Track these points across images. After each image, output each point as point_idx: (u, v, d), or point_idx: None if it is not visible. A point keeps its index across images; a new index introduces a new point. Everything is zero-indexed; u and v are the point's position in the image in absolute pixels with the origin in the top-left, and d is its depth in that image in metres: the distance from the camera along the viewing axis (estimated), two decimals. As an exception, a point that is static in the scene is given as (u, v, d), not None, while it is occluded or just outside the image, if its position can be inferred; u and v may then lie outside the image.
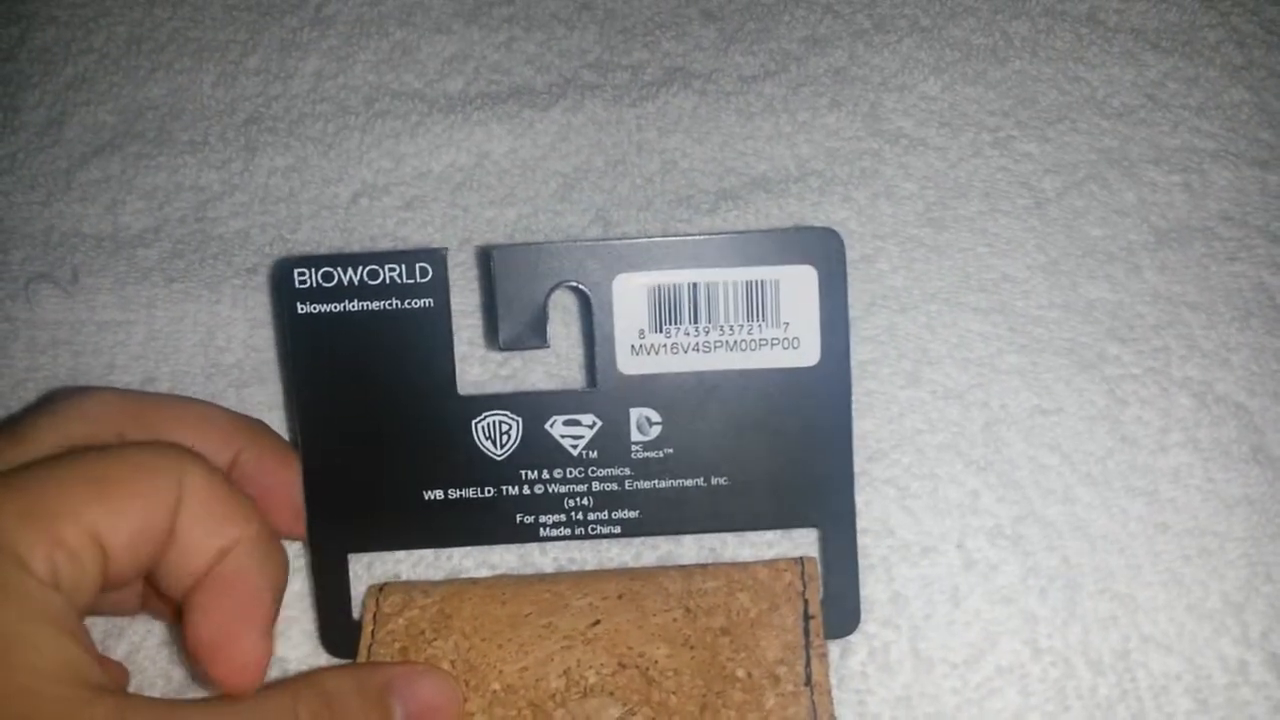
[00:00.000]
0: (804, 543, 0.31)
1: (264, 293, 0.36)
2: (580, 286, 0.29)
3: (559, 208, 0.38)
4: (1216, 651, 0.28)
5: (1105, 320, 0.34)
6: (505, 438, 0.29)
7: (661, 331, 0.29)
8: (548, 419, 0.29)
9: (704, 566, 0.29)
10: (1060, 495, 0.31)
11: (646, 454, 0.29)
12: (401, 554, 0.31)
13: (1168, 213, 0.37)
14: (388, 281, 0.28)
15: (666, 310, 0.29)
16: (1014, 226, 0.37)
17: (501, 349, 0.29)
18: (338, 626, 0.29)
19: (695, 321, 0.29)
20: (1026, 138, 0.39)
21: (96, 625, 0.30)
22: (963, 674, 0.28)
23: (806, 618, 0.28)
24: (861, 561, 0.30)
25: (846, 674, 0.28)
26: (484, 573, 0.31)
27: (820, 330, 0.29)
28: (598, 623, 0.28)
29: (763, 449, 0.29)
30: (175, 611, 0.29)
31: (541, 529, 0.29)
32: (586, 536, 0.29)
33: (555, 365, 0.34)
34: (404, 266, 0.28)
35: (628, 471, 0.29)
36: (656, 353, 0.29)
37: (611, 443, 0.29)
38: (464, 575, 0.31)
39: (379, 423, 0.29)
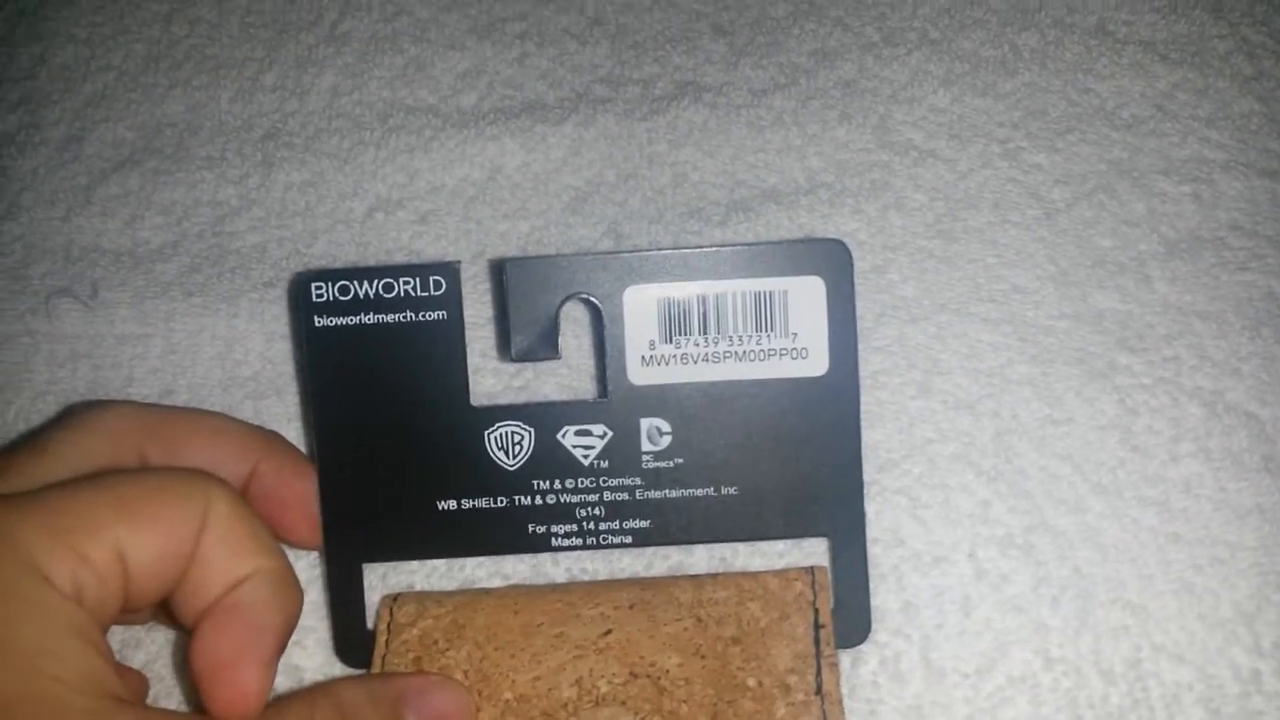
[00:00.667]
0: (815, 552, 0.31)
1: (281, 306, 0.37)
2: (591, 298, 0.29)
3: (571, 221, 0.39)
4: (1229, 661, 0.28)
5: (1116, 330, 0.34)
6: (517, 448, 0.29)
7: (671, 342, 0.29)
8: (559, 429, 0.29)
9: (714, 576, 0.30)
10: (1071, 505, 0.31)
11: (657, 464, 0.29)
12: (415, 564, 0.31)
13: (1178, 223, 0.37)
14: (402, 295, 0.29)
15: (676, 321, 0.29)
16: (1024, 237, 0.37)
17: (514, 360, 0.30)
18: (352, 636, 0.29)
19: (705, 333, 0.29)
20: (1036, 149, 0.39)
21: (114, 635, 0.30)
22: (974, 683, 0.28)
23: (817, 627, 0.28)
24: (872, 571, 0.30)
25: (858, 683, 0.28)
26: (497, 583, 0.31)
27: (829, 340, 0.29)
28: (609, 632, 0.28)
29: (772, 459, 0.29)
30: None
31: (553, 539, 0.30)
32: (598, 546, 0.30)
33: (567, 376, 0.34)
34: (418, 280, 0.29)
35: (638, 481, 0.29)
36: (666, 363, 0.29)
37: (622, 453, 0.29)
38: (477, 585, 0.31)
39: (393, 434, 0.29)
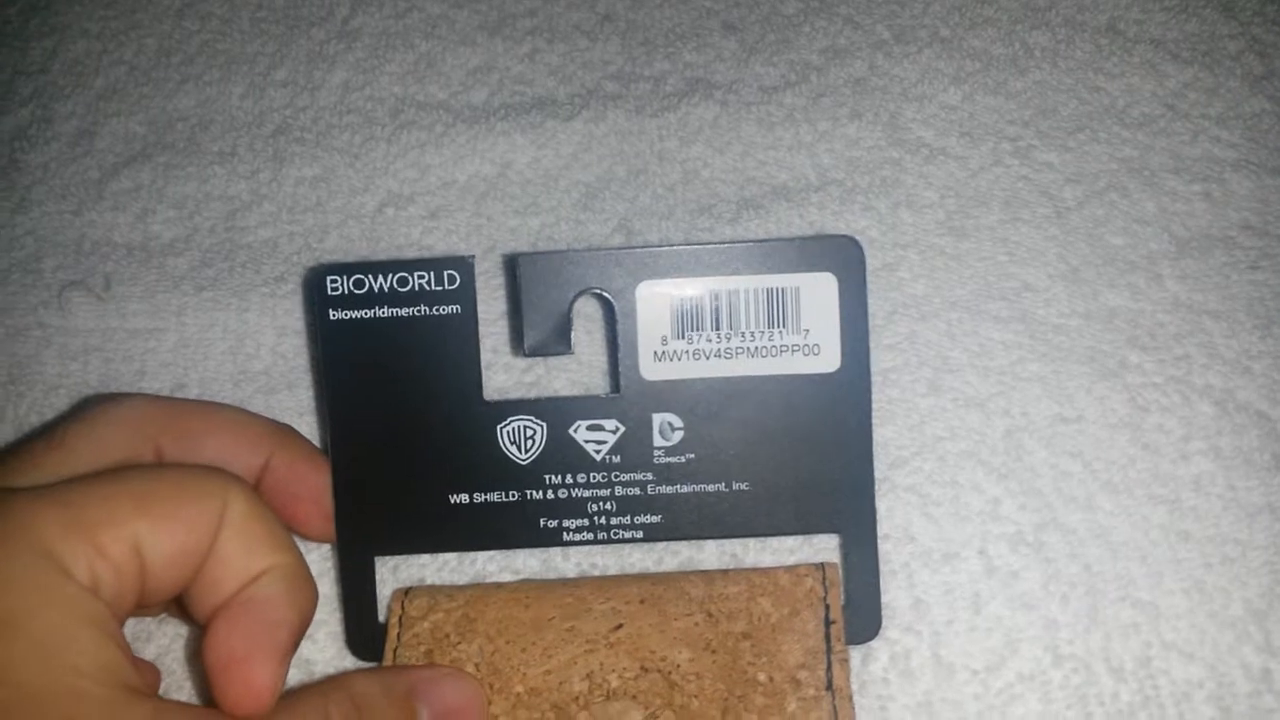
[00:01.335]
0: (825, 548, 0.31)
1: (292, 300, 0.37)
2: (604, 293, 0.29)
3: (581, 217, 0.39)
4: (1239, 659, 0.28)
5: (1126, 328, 0.34)
6: (530, 442, 0.30)
7: (683, 338, 0.29)
8: (571, 424, 0.30)
9: (725, 571, 0.30)
10: (1082, 503, 0.31)
11: (669, 459, 0.29)
12: (427, 558, 0.31)
13: (1188, 222, 0.37)
14: (417, 288, 0.29)
15: (689, 317, 0.29)
16: (1035, 235, 0.37)
17: (526, 355, 0.30)
18: (364, 629, 0.30)
19: (717, 328, 0.29)
20: (1047, 147, 0.39)
21: (125, 627, 0.30)
22: (984, 680, 0.28)
23: (828, 623, 0.28)
24: (883, 568, 0.30)
25: (868, 679, 0.28)
26: (507, 577, 0.31)
27: (840, 337, 0.29)
28: (620, 627, 0.28)
29: (784, 455, 0.29)
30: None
31: (565, 533, 0.30)
32: (609, 541, 0.30)
33: (578, 372, 0.34)
34: (432, 274, 0.29)
35: (650, 476, 0.29)
36: (679, 359, 0.29)
37: (634, 448, 0.29)
38: (488, 580, 0.31)
39: (407, 427, 0.29)
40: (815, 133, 0.41)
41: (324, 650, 0.30)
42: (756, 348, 0.29)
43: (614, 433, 0.30)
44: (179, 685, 0.30)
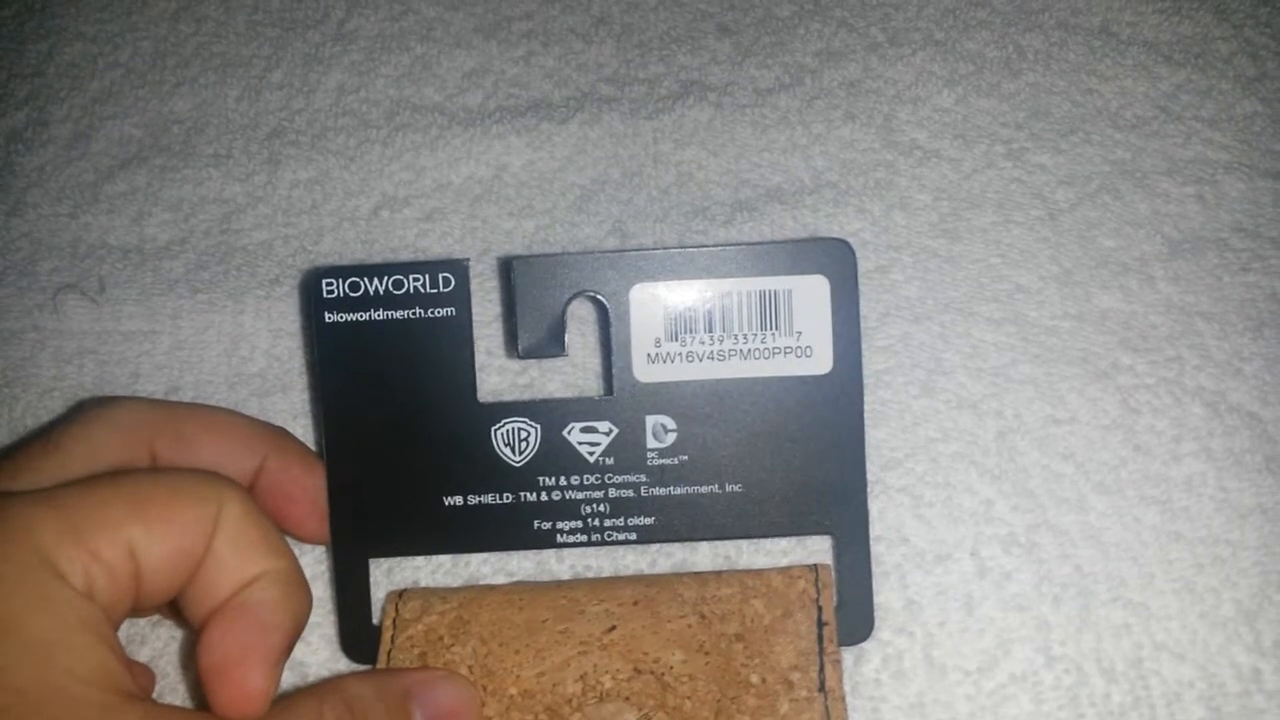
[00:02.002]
0: (818, 550, 0.31)
1: (287, 303, 0.37)
2: (598, 296, 0.29)
3: (576, 219, 0.39)
4: (1229, 659, 0.28)
5: (1118, 330, 0.35)
6: (524, 444, 0.30)
7: (677, 340, 0.29)
8: (565, 426, 0.30)
9: (718, 573, 0.30)
10: (1074, 504, 0.31)
11: (662, 461, 0.30)
12: (420, 561, 0.31)
13: (1181, 224, 0.37)
14: (412, 291, 0.29)
15: (682, 320, 0.29)
16: (1027, 237, 0.37)
17: (521, 357, 0.30)
18: (358, 632, 0.30)
19: (710, 331, 0.29)
20: (1040, 149, 0.39)
21: (120, 631, 0.30)
22: (976, 681, 0.28)
23: (820, 624, 0.28)
24: (876, 569, 0.30)
25: (860, 681, 0.29)
26: (501, 579, 0.31)
27: (833, 339, 0.29)
28: (613, 628, 0.28)
29: (777, 456, 0.29)
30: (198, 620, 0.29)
31: (558, 535, 0.30)
32: (603, 543, 0.30)
33: (572, 374, 0.35)
34: (427, 277, 0.29)
35: (644, 478, 0.30)
36: (672, 361, 0.29)
37: (628, 450, 0.30)
38: (482, 582, 0.31)
39: (401, 429, 0.29)
40: (809, 135, 0.41)
41: (318, 653, 0.30)
42: (749, 350, 0.29)
43: (607, 435, 0.30)
44: (173, 688, 0.30)
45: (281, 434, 0.30)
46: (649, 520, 0.30)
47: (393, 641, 0.29)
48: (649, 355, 0.29)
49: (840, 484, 0.29)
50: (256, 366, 0.36)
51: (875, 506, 0.31)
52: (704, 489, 0.30)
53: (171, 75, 0.44)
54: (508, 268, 0.30)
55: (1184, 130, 0.40)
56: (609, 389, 0.30)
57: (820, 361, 0.29)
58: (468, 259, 0.29)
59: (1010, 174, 0.39)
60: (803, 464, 0.29)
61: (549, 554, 0.31)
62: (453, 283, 0.29)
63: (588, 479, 0.30)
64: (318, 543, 0.31)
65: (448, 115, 0.42)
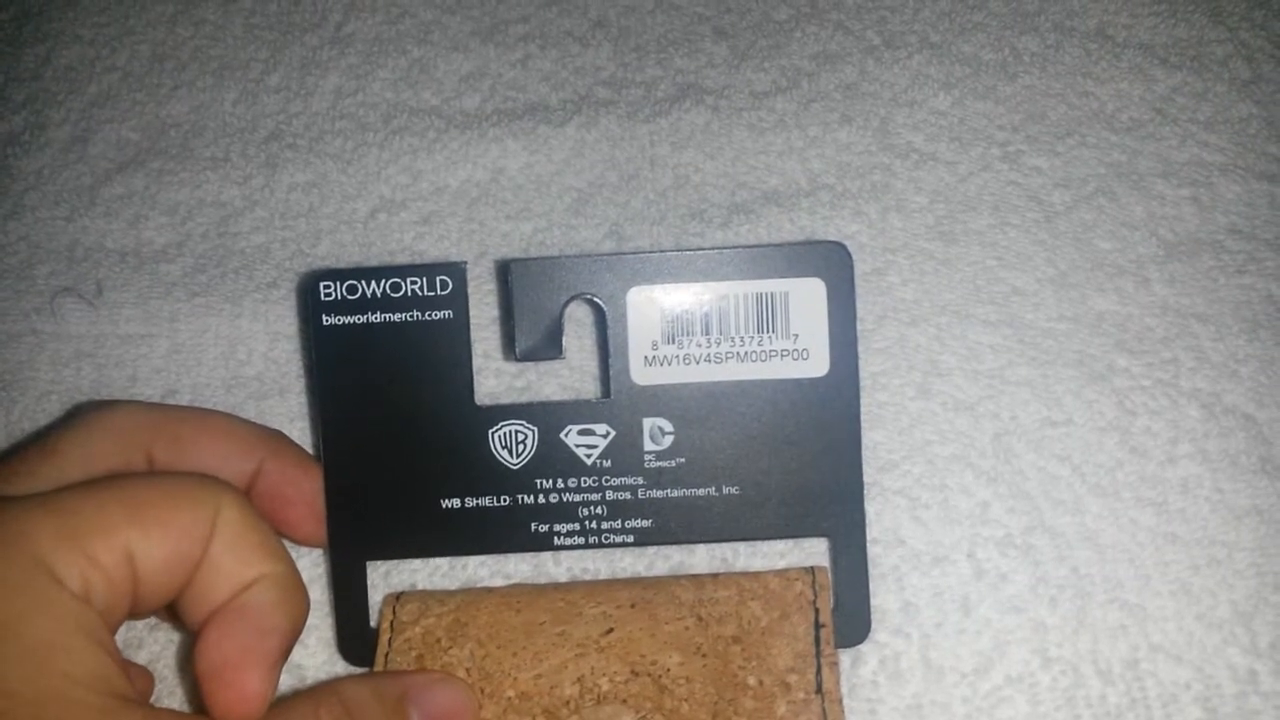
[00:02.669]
0: (815, 552, 0.31)
1: (284, 306, 0.37)
2: (595, 299, 0.29)
3: (573, 222, 0.39)
4: (1225, 661, 0.28)
5: (1114, 332, 0.35)
6: (521, 447, 0.30)
7: (674, 343, 0.29)
8: (563, 429, 0.30)
9: (715, 575, 0.30)
10: (1070, 506, 0.31)
11: (659, 463, 0.30)
12: (418, 563, 0.31)
13: (1176, 226, 0.37)
14: (409, 294, 0.29)
15: (679, 322, 0.29)
16: (1023, 240, 0.37)
17: (518, 360, 0.30)
18: (355, 634, 0.30)
19: (707, 333, 0.29)
20: (1036, 152, 0.40)
21: (118, 634, 0.30)
22: (973, 683, 0.28)
23: (817, 626, 0.28)
24: (872, 571, 0.30)
25: (858, 682, 0.29)
26: (499, 582, 0.31)
27: (829, 342, 0.29)
28: (611, 631, 0.28)
29: (773, 458, 0.30)
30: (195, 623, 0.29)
31: (556, 538, 0.30)
32: (600, 545, 0.30)
33: (569, 377, 0.35)
34: (425, 279, 0.29)
35: (641, 481, 0.30)
36: (669, 364, 0.29)
37: (625, 452, 0.30)
38: (479, 585, 0.31)
39: (399, 432, 0.30)
40: (806, 138, 0.41)
41: (315, 655, 0.30)
42: (746, 352, 0.29)
43: (605, 437, 0.30)
44: (170, 691, 0.30)
45: (278, 437, 0.30)
46: (646, 523, 0.30)
47: (390, 644, 0.29)
48: (646, 358, 0.30)
49: (837, 486, 0.29)
50: (254, 370, 0.36)
51: (872, 508, 0.31)
52: (701, 491, 0.30)
53: (169, 79, 0.44)
54: (505, 270, 0.30)
55: (1179, 133, 0.40)
56: (606, 391, 0.30)
57: (817, 364, 0.29)
58: (465, 262, 0.30)
59: (1006, 177, 0.39)
60: (799, 466, 0.29)
61: (546, 557, 0.31)
62: (450, 285, 0.29)
63: (585, 481, 0.30)
64: (315, 545, 0.31)
65: (445, 118, 0.42)
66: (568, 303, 0.29)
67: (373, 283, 0.29)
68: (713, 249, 0.29)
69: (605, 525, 0.30)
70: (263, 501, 0.29)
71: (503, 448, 0.30)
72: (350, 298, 0.29)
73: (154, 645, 0.30)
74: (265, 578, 0.25)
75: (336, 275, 0.29)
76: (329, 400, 0.30)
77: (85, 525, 0.23)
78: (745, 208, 0.39)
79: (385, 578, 0.31)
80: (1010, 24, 0.44)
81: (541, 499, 0.30)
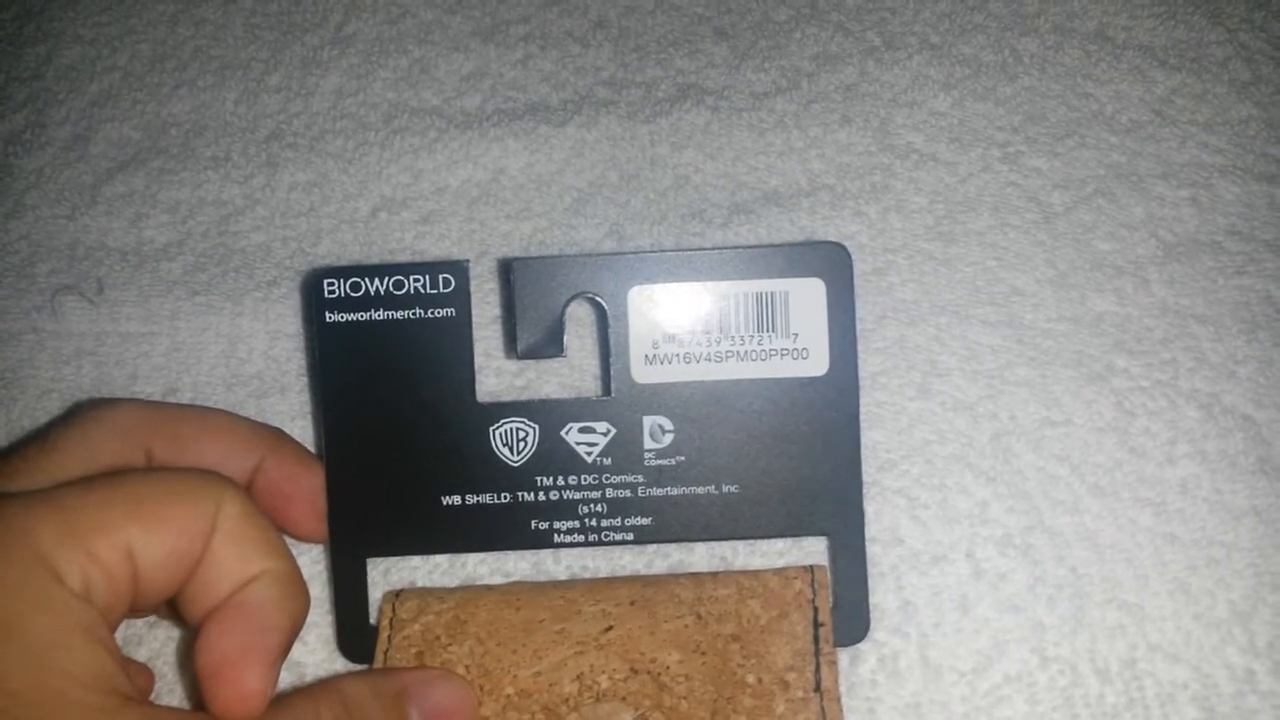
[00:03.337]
0: (814, 551, 0.31)
1: (285, 305, 0.37)
2: (596, 298, 0.29)
3: (574, 222, 0.39)
4: (1223, 660, 0.28)
5: (1113, 333, 0.35)
6: (522, 444, 0.30)
7: (674, 342, 0.30)
8: (564, 426, 0.30)
9: (715, 574, 0.30)
10: (1068, 506, 0.31)
11: (659, 461, 0.30)
12: (418, 561, 0.31)
13: (1175, 227, 0.37)
14: (412, 292, 0.29)
15: (679, 321, 0.30)
16: (1023, 240, 0.37)
17: (520, 357, 0.30)
18: (355, 631, 0.30)
19: (707, 332, 0.30)
20: (1035, 153, 0.40)
21: (118, 632, 0.30)
22: (971, 682, 0.28)
23: (816, 625, 0.28)
24: (871, 570, 0.30)
25: (856, 681, 0.29)
26: (498, 580, 0.31)
27: (829, 341, 0.29)
28: (610, 629, 0.28)
29: (773, 457, 0.30)
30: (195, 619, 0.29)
31: (556, 535, 0.30)
32: (600, 543, 0.30)
33: (569, 376, 0.35)
34: (428, 277, 0.29)
35: (641, 479, 0.30)
36: (669, 362, 0.30)
37: (625, 450, 0.30)
38: (478, 583, 0.31)
39: (400, 428, 0.30)
40: (806, 139, 0.41)
41: (314, 653, 0.30)
42: (746, 352, 0.30)
43: (605, 435, 0.30)
44: (170, 689, 0.30)
45: (278, 434, 0.30)
46: (646, 520, 0.30)
47: (389, 641, 0.29)
48: (647, 356, 0.30)
49: (836, 485, 0.30)
50: (254, 368, 0.36)
51: (871, 508, 0.31)
52: (701, 490, 0.30)
53: (170, 78, 0.44)
54: (508, 269, 0.30)
55: (1179, 134, 0.40)
56: (607, 390, 0.30)
57: (816, 363, 0.29)
58: (468, 260, 0.30)
59: (1006, 177, 0.39)
60: (799, 465, 0.30)
61: (546, 555, 0.31)
62: (453, 283, 0.29)
63: (585, 479, 0.30)
64: (316, 541, 0.31)
65: (445, 118, 0.42)
66: (569, 301, 0.30)
67: (376, 280, 0.29)
68: (713, 249, 0.30)
69: (605, 523, 0.30)
70: (263, 498, 0.29)
71: (504, 445, 0.30)
72: (354, 295, 0.29)
73: (154, 642, 0.30)
74: (266, 574, 0.25)
75: (340, 272, 0.29)
76: (331, 397, 0.30)
77: (86, 522, 0.23)
78: (745, 208, 0.39)
79: (385, 576, 0.31)
80: (1010, 25, 0.44)
81: (541, 496, 0.30)
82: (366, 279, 0.29)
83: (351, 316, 0.29)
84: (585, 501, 0.30)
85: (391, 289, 0.29)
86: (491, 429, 0.30)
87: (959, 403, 0.33)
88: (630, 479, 0.30)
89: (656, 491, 0.30)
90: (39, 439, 0.27)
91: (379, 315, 0.29)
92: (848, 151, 0.40)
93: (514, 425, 0.30)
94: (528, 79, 0.44)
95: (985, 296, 0.36)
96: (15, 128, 0.43)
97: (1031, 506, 0.31)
